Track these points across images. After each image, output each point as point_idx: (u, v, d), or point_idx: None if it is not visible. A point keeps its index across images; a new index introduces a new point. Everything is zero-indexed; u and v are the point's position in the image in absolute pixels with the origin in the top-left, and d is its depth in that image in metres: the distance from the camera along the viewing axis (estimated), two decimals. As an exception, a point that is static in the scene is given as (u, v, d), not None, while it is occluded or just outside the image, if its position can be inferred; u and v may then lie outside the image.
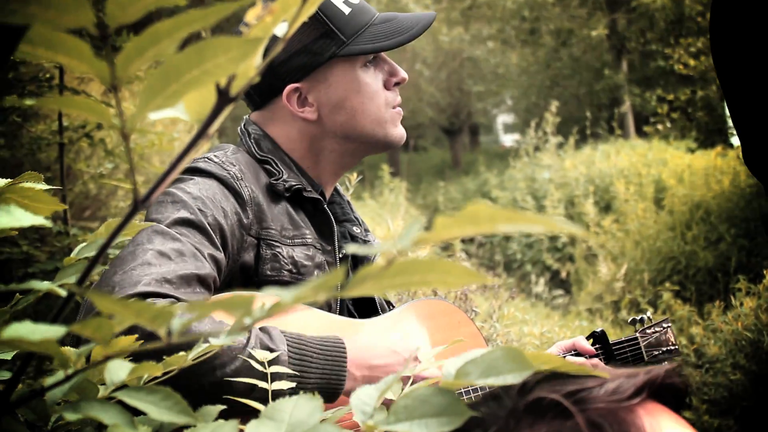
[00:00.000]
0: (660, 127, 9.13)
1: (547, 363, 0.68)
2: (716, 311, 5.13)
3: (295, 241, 1.78)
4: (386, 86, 1.91)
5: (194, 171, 1.72)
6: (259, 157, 1.85)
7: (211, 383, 1.35)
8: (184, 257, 1.50)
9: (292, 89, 1.85)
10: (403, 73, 1.93)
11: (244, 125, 1.94)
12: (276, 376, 1.34)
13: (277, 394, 1.19)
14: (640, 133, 15.97)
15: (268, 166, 1.84)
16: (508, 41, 19.45)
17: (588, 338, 2.12)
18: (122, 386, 0.73)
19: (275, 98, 1.89)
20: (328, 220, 1.87)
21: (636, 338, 2.18)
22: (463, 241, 11.15)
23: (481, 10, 19.60)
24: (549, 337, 3.28)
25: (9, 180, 0.89)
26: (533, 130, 12.89)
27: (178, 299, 1.44)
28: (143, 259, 1.45)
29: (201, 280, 1.52)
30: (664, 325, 2.22)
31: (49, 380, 0.69)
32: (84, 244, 0.94)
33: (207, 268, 1.54)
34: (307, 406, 0.78)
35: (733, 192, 7.89)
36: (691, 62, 7.98)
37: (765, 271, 4.46)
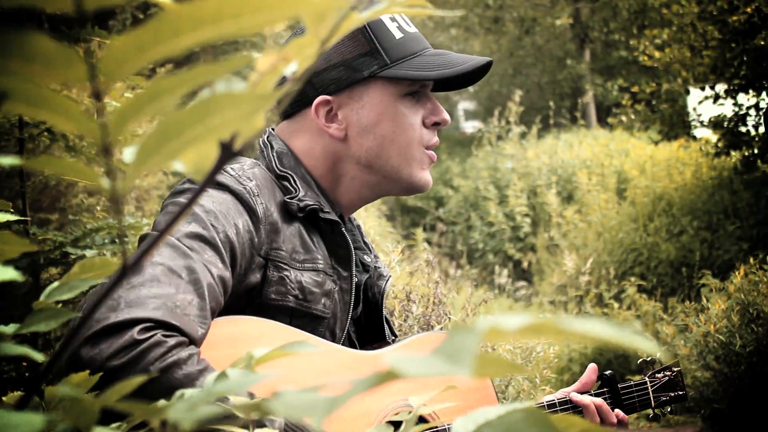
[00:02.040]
0: (624, 118, 9.11)
1: (573, 426, 0.61)
2: (681, 307, 5.12)
3: (305, 265, 1.67)
4: (425, 124, 1.79)
5: None
6: (278, 172, 1.73)
7: None
8: (194, 275, 1.42)
9: (323, 101, 1.73)
10: (445, 115, 1.80)
11: (267, 137, 1.82)
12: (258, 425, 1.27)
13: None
14: (602, 123, 16.01)
15: (286, 183, 1.72)
16: (471, 28, 19.39)
17: (596, 380, 2.06)
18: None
19: (305, 109, 1.76)
20: (347, 244, 1.75)
21: (645, 383, 2.12)
22: (424, 229, 11.12)
23: (445, -3, 19.57)
24: (524, 342, 3.23)
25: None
26: (496, 119, 12.85)
27: (187, 335, 1.36)
28: (152, 273, 1.36)
29: (209, 306, 1.43)
30: (674, 369, 2.16)
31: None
32: (54, 285, 0.86)
33: (215, 291, 1.46)
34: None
35: (696, 184, 7.92)
36: (656, 54, 7.95)
37: (735, 271, 4.45)
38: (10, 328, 0.76)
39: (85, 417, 0.54)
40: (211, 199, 1.57)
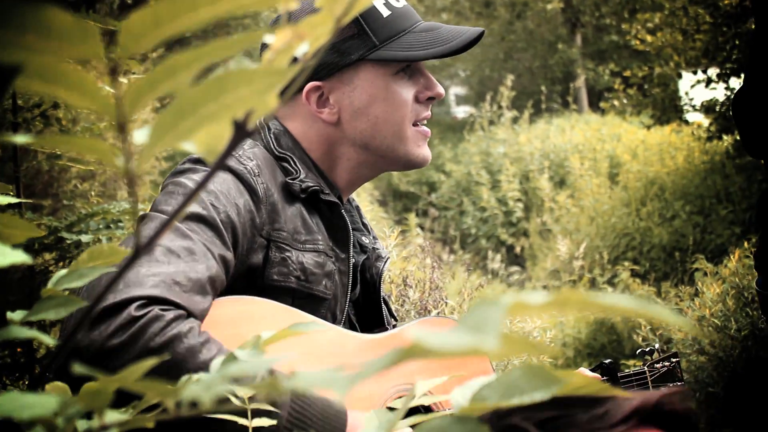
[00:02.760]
0: (616, 102, 9.11)
1: (573, 380, 0.60)
2: (675, 291, 5.13)
3: (307, 246, 1.67)
4: (418, 99, 1.77)
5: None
6: (277, 153, 1.72)
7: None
8: (194, 256, 1.41)
9: (313, 87, 1.72)
10: (439, 89, 1.79)
11: (264, 119, 1.81)
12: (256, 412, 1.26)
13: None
14: (594, 108, 16.01)
15: (285, 164, 1.71)
16: (462, 13, 19.33)
17: (595, 369, 2.06)
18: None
19: (297, 94, 1.75)
20: (345, 225, 1.75)
21: (644, 372, 2.13)
22: (417, 215, 11.11)
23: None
24: (520, 327, 3.23)
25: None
26: (488, 104, 12.84)
27: (186, 309, 1.35)
28: (151, 255, 1.35)
29: (209, 283, 1.42)
30: (673, 359, 2.17)
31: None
32: (62, 272, 0.85)
33: (216, 270, 1.45)
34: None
35: (688, 168, 7.93)
36: (648, 38, 7.94)
37: (729, 255, 4.45)
38: (18, 315, 0.75)
39: (99, 398, 0.53)
40: (212, 179, 1.55)
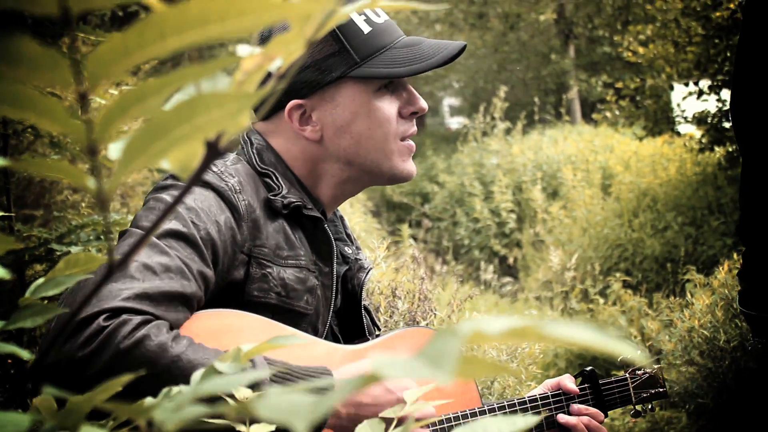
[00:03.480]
0: (608, 114, 9.14)
1: None
2: (666, 302, 5.14)
3: (289, 262, 1.68)
4: (401, 115, 1.78)
5: None
6: (260, 169, 1.73)
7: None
8: (170, 273, 1.42)
9: (295, 105, 1.73)
10: (422, 103, 1.80)
11: (247, 134, 1.81)
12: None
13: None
14: (587, 119, 16.04)
15: (268, 180, 1.72)
16: (455, 24, 19.37)
17: (576, 377, 2.06)
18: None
19: (279, 111, 1.76)
20: (328, 240, 1.76)
21: (626, 379, 2.13)
22: (410, 226, 11.12)
23: (429, -8, 19.51)
24: (508, 344, 3.23)
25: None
26: (481, 115, 12.86)
27: (156, 317, 1.37)
28: (126, 271, 1.37)
29: (184, 299, 1.44)
30: (655, 366, 2.18)
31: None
32: (40, 281, 0.86)
33: (193, 287, 1.46)
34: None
35: (680, 180, 7.94)
36: (640, 50, 7.97)
37: (719, 267, 4.46)
38: (6, 348, 0.75)
39: (72, 417, 0.54)
40: (193, 196, 1.56)
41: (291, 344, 0.80)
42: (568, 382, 2.01)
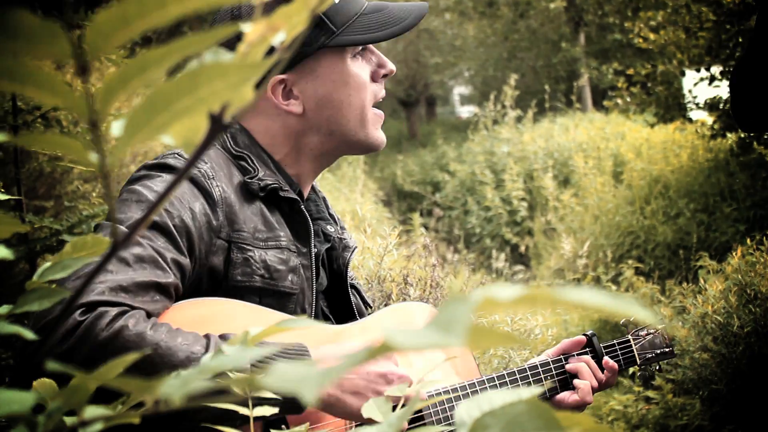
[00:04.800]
0: (620, 101, 9.10)
1: (578, 425, 0.60)
2: (679, 289, 5.12)
3: (269, 243, 1.68)
4: (373, 78, 1.82)
5: (163, 167, 1.61)
6: (234, 152, 1.74)
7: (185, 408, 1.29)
8: (143, 264, 1.42)
9: (278, 81, 1.74)
10: (391, 65, 1.84)
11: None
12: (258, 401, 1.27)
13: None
14: (598, 106, 15.99)
15: (243, 163, 1.73)
16: (465, 13, 19.31)
17: None
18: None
19: (258, 89, 1.76)
20: (305, 220, 1.77)
21: (628, 341, 2.13)
22: (421, 215, 11.11)
23: (439, -19, 19.50)
24: (522, 324, 3.23)
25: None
26: (492, 103, 12.83)
27: (133, 308, 1.37)
28: (90, 268, 1.36)
29: (160, 288, 1.44)
30: (658, 326, 2.17)
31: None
32: (47, 264, 0.86)
33: (168, 276, 1.46)
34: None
35: (692, 166, 7.91)
36: (651, 36, 7.92)
37: (732, 252, 4.44)
38: (4, 309, 0.75)
39: (77, 395, 0.53)
40: (165, 184, 1.56)
41: (299, 327, 0.79)
42: (569, 343, 2.05)
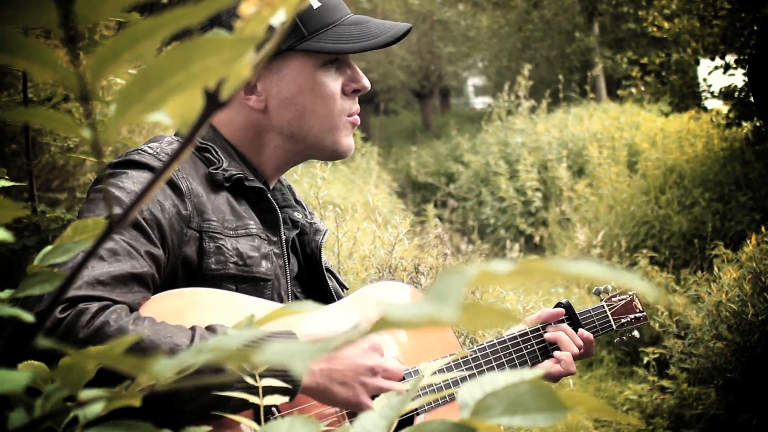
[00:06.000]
0: (634, 90, 9.05)
1: (581, 404, 0.59)
2: (693, 278, 5.10)
3: (239, 231, 1.69)
4: (344, 92, 1.81)
5: (128, 164, 1.62)
6: (199, 144, 1.75)
7: (190, 395, 1.30)
8: (117, 257, 1.43)
9: None
10: (365, 81, 1.82)
11: None
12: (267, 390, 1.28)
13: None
14: (612, 96, 15.92)
15: (207, 154, 1.74)
16: (479, 3, 19.26)
17: (554, 308, 2.12)
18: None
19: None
20: (272, 208, 1.78)
21: (602, 306, 2.18)
22: (435, 206, 11.10)
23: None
24: (533, 312, 3.21)
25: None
26: (506, 94, 12.80)
27: (114, 301, 1.38)
28: (74, 262, 1.35)
29: (137, 279, 1.45)
30: (630, 292, 2.21)
31: (13, 421, 0.61)
32: (48, 248, 0.85)
33: (144, 267, 1.47)
34: (302, 429, 0.71)
35: (707, 156, 7.86)
36: (665, 25, 7.87)
37: (747, 240, 4.41)
38: (5, 294, 0.75)
39: (73, 375, 0.53)
40: (132, 179, 1.58)
41: (304, 310, 0.79)
42: (548, 310, 2.10)
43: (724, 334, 4.07)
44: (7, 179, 1.10)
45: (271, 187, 1.89)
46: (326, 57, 1.76)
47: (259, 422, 1.03)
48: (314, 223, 1.98)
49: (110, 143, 0.53)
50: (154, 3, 5.59)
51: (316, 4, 1.74)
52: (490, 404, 0.60)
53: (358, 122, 1.85)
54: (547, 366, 2.02)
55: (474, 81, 26.34)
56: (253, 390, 1.10)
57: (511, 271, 0.43)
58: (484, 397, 0.61)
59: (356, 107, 1.84)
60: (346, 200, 8.21)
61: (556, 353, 2.03)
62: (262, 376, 1.08)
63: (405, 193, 12.97)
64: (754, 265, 4.08)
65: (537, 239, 9.61)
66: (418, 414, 1.81)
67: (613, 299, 2.19)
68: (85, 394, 0.55)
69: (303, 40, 1.72)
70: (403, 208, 10.87)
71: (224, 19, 1.71)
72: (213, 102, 0.53)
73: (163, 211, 1.56)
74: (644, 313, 2.22)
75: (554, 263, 0.42)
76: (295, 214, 1.94)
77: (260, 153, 1.82)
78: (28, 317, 0.65)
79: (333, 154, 1.84)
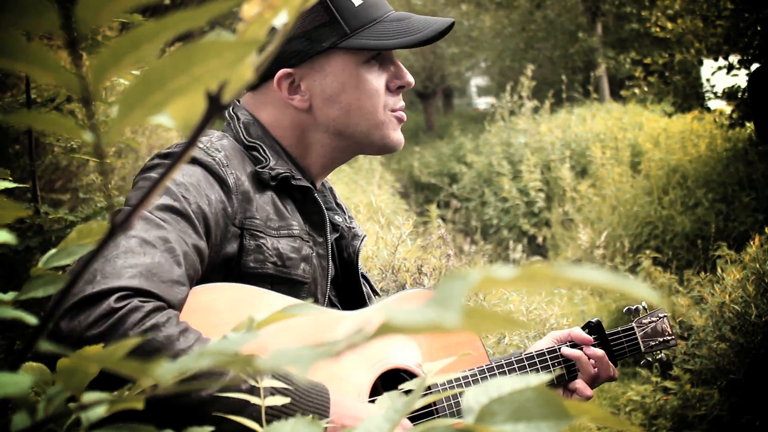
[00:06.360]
0: (637, 90, 9.05)
1: (586, 413, 0.59)
2: (697, 279, 5.09)
3: (281, 232, 1.69)
4: (389, 88, 1.81)
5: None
6: (246, 143, 1.75)
7: (199, 400, 1.29)
8: (169, 245, 1.43)
9: (285, 74, 1.75)
10: (409, 77, 1.83)
11: (233, 109, 1.84)
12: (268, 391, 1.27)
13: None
14: (615, 97, 15.91)
15: (255, 153, 1.74)
16: (482, 3, 19.27)
17: (583, 328, 2.07)
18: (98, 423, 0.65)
19: (269, 81, 1.78)
20: (319, 209, 1.78)
21: (632, 328, 2.15)
22: (438, 206, 11.10)
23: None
24: (537, 314, 3.22)
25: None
26: (508, 94, 12.80)
27: (163, 299, 1.37)
28: (127, 246, 1.37)
29: (186, 273, 1.44)
30: (660, 314, 2.18)
31: (15, 424, 0.61)
32: (52, 251, 0.85)
33: (191, 259, 1.47)
34: (305, 429, 0.70)
35: (710, 156, 7.85)
36: (669, 25, 7.87)
37: (750, 241, 4.41)
38: (9, 296, 0.75)
39: (76, 378, 0.53)
40: (181, 172, 1.58)
41: (302, 314, 0.78)
42: (580, 332, 2.03)
43: (728, 335, 4.06)
44: (10, 180, 1.10)
45: (317, 187, 1.89)
46: (369, 54, 1.76)
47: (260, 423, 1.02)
48: (353, 228, 1.97)
49: (113, 145, 0.53)
50: (156, 5, 5.59)
51: (357, 2, 1.75)
52: (495, 410, 0.60)
53: (405, 118, 1.85)
54: (579, 386, 1.97)
55: (477, 81, 26.35)
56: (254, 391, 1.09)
57: (514, 276, 0.42)
58: (489, 402, 0.61)
59: (401, 103, 1.84)
60: (349, 201, 8.20)
61: (571, 384, 1.98)
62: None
63: (408, 194, 12.97)
64: (758, 266, 4.07)
65: (540, 240, 9.61)
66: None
67: (643, 321, 2.17)
68: (88, 396, 0.55)
69: (345, 37, 1.72)
70: (406, 208, 10.87)
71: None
72: (215, 104, 0.53)
73: (210, 206, 1.56)
74: (673, 337, 2.19)
75: (557, 268, 0.42)
76: (336, 217, 1.93)
77: (307, 152, 1.82)
78: (31, 320, 0.65)
79: (383, 149, 1.85)
